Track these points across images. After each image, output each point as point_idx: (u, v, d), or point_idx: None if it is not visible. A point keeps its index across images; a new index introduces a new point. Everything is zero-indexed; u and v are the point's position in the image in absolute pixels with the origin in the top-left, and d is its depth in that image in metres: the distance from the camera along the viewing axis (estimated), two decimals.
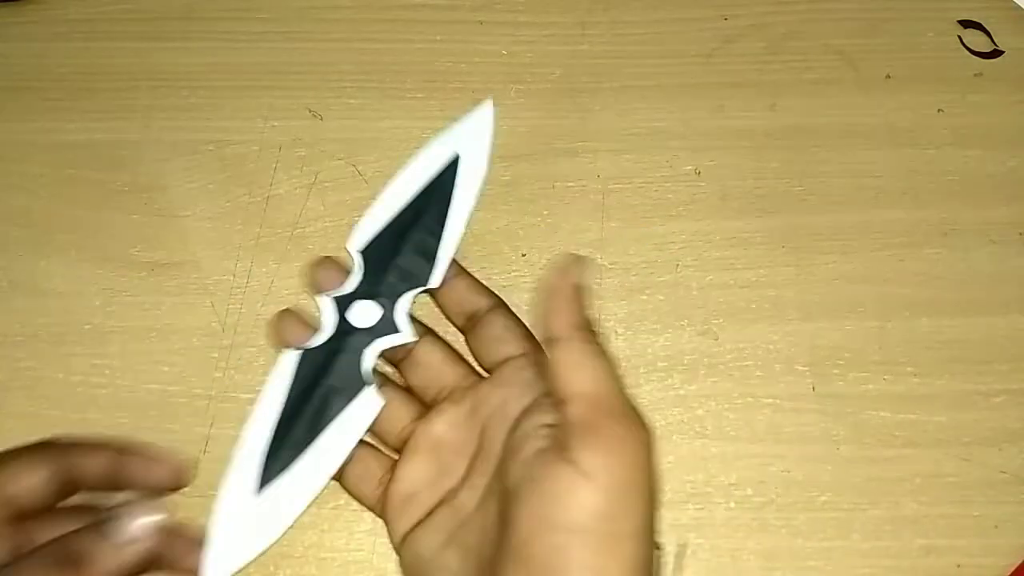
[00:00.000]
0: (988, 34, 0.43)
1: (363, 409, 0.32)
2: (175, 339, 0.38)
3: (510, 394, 0.32)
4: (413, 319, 0.34)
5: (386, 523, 0.32)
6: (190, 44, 0.43)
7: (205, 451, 0.36)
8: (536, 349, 0.33)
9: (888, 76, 0.42)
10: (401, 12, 0.44)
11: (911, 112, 0.42)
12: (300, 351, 0.33)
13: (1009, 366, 0.37)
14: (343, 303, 0.34)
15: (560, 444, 0.27)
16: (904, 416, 0.36)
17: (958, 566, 0.34)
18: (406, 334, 0.33)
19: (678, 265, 0.39)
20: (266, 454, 0.32)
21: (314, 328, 0.34)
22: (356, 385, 0.33)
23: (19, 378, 0.37)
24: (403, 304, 0.34)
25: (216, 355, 0.37)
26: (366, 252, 0.34)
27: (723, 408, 0.36)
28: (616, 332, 0.38)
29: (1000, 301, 0.38)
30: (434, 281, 0.34)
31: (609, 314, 0.38)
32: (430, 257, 0.34)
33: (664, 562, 0.34)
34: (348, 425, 0.32)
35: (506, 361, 0.33)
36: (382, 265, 0.34)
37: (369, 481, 0.33)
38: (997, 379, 0.37)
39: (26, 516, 0.30)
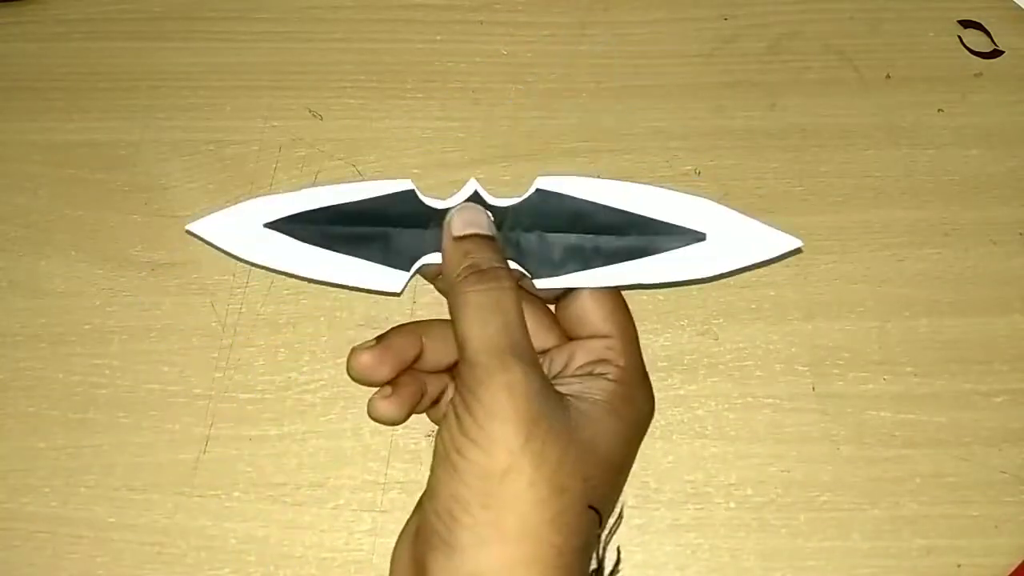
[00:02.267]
0: (988, 34, 0.43)
1: (384, 278, 0.32)
2: (175, 339, 0.38)
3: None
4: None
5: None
6: (190, 44, 0.43)
7: (205, 451, 0.36)
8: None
9: (888, 76, 0.42)
10: (401, 12, 0.44)
11: (911, 112, 0.42)
12: (413, 188, 0.32)
13: (1009, 366, 0.37)
14: (479, 204, 0.32)
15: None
16: (904, 416, 0.36)
17: (958, 566, 0.34)
18: None
19: None
20: (299, 213, 0.32)
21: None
22: (402, 260, 0.32)
23: (19, 378, 0.37)
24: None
25: (216, 355, 0.37)
26: (542, 196, 0.32)
27: (723, 408, 0.36)
28: None
29: (1000, 301, 0.38)
30: (539, 283, 0.32)
31: None
32: (566, 267, 0.31)
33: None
34: (362, 272, 0.32)
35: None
36: (538, 221, 0.32)
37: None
38: (997, 379, 0.37)
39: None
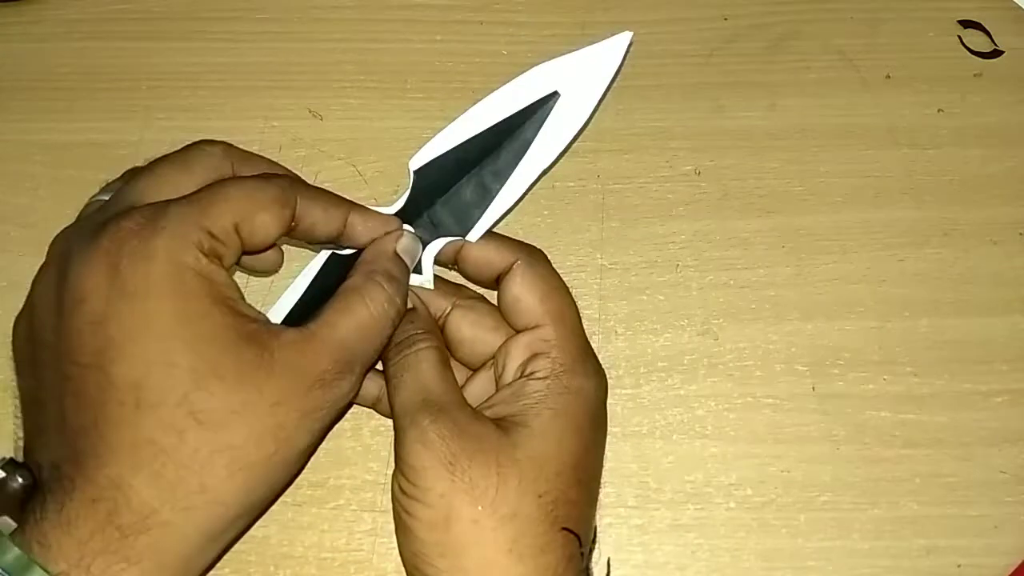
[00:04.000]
0: (988, 34, 0.43)
1: None
2: None
3: None
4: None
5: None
6: (190, 44, 0.43)
7: None
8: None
9: (888, 76, 0.42)
10: (401, 12, 0.44)
11: (911, 112, 0.42)
12: (331, 251, 0.32)
13: (1009, 366, 0.37)
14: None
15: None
16: (904, 416, 0.36)
17: (958, 566, 0.34)
18: (426, 278, 0.33)
19: (678, 265, 0.39)
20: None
21: None
22: None
23: None
24: (433, 247, 0.32)
25: None
26: (421, 172, 0.32)
27: (723, 408, 0.36)
28: (616, 332, 0.38)
29: (1000, 301, 0.38)
30: (473, 235, 0.32)
31: (609, 314, 0.38)
32: (481, 205, 0.32)
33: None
34: None
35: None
36: (433, 193, 0.32)
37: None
38: (997, 379, 0.37)
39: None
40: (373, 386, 0.33)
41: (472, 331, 0.33)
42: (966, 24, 0.43)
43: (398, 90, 0.42)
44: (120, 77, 0.43)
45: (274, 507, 0.35)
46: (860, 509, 0.35)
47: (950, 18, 0.44)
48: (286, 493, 0.35)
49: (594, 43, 0.32)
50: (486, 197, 0.32)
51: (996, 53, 0.43)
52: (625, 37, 0.31)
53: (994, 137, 0.41)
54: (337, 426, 0.36)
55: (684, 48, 0.43)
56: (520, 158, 0.32)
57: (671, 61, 0.43)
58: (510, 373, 0.31)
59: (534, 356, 0.31)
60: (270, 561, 0.34)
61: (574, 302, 0.32)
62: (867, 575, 0.34)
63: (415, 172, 0.32)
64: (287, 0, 0.44)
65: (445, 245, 0.33)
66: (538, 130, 0.31)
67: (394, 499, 0.29)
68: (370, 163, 0.41)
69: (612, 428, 0.35)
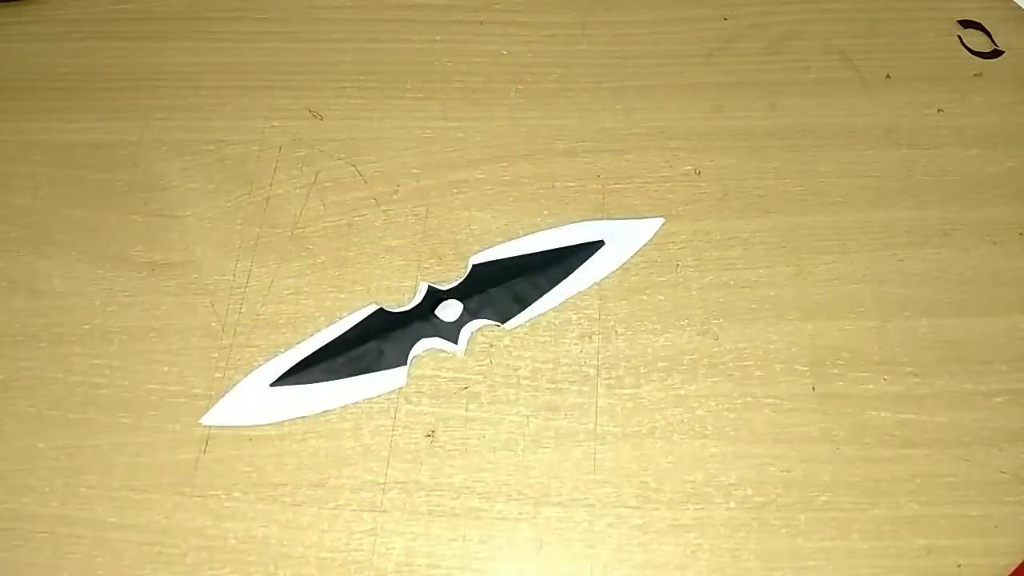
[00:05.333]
0: (988, 34, 0.43)
1: (389, 379, 0.37)
2: (175, 339, 0.38)
3: None
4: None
5: None
6: (190, 44, 0.43)
7: (205, 451, 0.36)
8: None
9: (888, 76, 0.43)
10: (401, 12, 0.44)
11: (911, 112, 0.42)
12: (379, 307, 0.38)
13: (1009, 366, 0.37)
14: (435, 294, 0.38)
15: None
16: (904, 416, 0.36)
17: (958, 566, 0.34)
18: (459, 349, 0.37)
19: (678, 265, 0.39)
20: (299, 363, 0.37)
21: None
22: (397, 359, 0.37)
23: (19, 378, 0.37)
24: (473, 325, 0.37)
25: (216, 355, 0.37)
26: (478, 268, 0.38)
27: (723, 408, 0.36)
28: (616, 332, 0.38)
29: (1000, 301, 0.38)
30: (508, 326, 0.38)
31: (609, 314, 0.38)
32: (522, 303, 0.38)
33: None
34: (370, 383, 0.36)
35: None
36: (482, 284, 0.38)
37: None
38: (997, 379, 0.37)
39: None
40: None
41: None
42: (966, 24, 0.43)
43: (398, 90, 0.42)
44: (120, 77, 0.43)
45: (274, 507, 0.35)
46: (860, 509, 0.35)
47: (950, 18, 0.44)
48: (286, 493, 0.35)
49: (636, 220, 0.40)
50: (529, 298, 0.38)
51: (996, 53, 0.43)
52: (658, 221, 0.39)
53: (994, 137, 0.41)
54: (337, 426, 0.36)
55: (684, 48, 0.43)
56: (560, 280, 0.38)
57: (671, 61, 0.43)
58: None
59: None
60: (270, 561, 0.34)
61: None
62: (867, 575, 0.34)
63: (474, 264, 0.38)
64: (287, 0, 0.44)
65: (484, 326, 0.38)
66: (580, 264, 0.38)
67: None
68: (370, 163, 0.41)
69: (612, 428, 0.36)
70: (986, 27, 0.43)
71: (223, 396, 0.36)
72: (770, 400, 0.36)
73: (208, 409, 0.36)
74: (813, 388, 0.37)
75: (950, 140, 0.41)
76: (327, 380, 0.36)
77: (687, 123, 0.41)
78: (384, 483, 0.35)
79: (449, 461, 0.35)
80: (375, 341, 0.37)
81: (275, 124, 0.42)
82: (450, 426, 0.36)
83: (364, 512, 0.35)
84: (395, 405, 0.36)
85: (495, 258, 0.39)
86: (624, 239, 0.39)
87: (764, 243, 0.39)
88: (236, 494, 0.35)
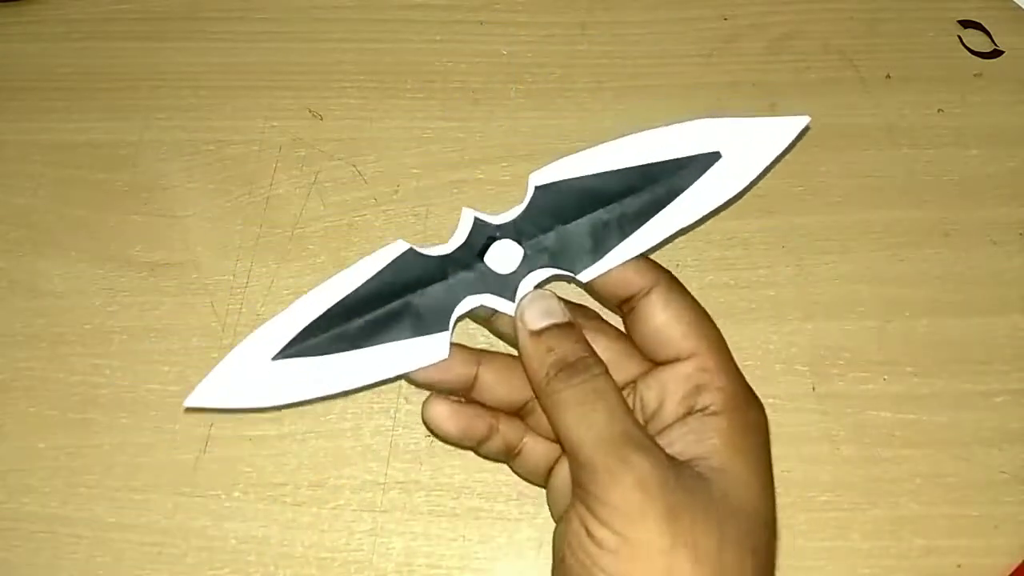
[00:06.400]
0: (988, 34, 0.43)
1: (425, 350, 0.28)
2: (175, 339, 0.38)
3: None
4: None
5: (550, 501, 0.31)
6: (190, 44, 0.43)
7: (205, 451, 0.36)
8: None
9: (888, 76, 0.42)
10: (401, 12, 0.44)
11: (911, 112, 0.42)
12: (409, 247, 0.28)
13: (1009, 366, 0.37)
14: (485, 231, 0.29)
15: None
16: (904, 416, 0.36)
17: (958, 566, 0.34)
18: (513, 309, 0.29)
19: (678, 265, 0.39)
20: (305, 328, 0.28)
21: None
22: (436, 322, 0.28)
23: (19, 378, 0.37)
24: (535, 277, 0.29)
25: (216, 355, 0.37)
26: (543, 192, 0.29)
27: None
28: None
29: (1000, 301, 0.38)
30: (584, 276, 0.29)
31: (609, 314, 0.38)
32: (603, 246, 0.28)
33: None
34: (401, 355, 0.28)
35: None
36: (551, 218, 0.29)
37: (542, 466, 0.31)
38: (997, 379, 0.37)
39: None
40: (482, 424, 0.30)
41: (605, 359, 0.28)
42: (966, 24, 0.43)
43: (398, 90, 0.42)
44: (120, 77, 0.43)
45: (274, 507, 0.35)
46: (860, 509, 0.35)
47: (950, 18, 0.44)
48: (286, 493, 0.35)
49: (772, 116, 0.29)
50: (611, 237, 0.28)
51: (996, 53, 0.43)
52: (803, 120, 0.29)
53: (994, 137, 0.41)
54: (337, 426, 0.36)
55: (684, 48, 0.43)
56: (661, 207, 0.29)
57: (671, 61, 0.43)
58: (671, 409, 0.28)
59: (697, 388, 0.28)
60: (270, 561, 0.34)
61: None
62: (867, 575, 0.34)
63: (537, 187, 0.29)
64: (287, 0, 0.44)
65: (551, 278, 0.29)
66: (690, 185, 0.28)
67: (583, 554, 0.25)
68: (370, 163, 0.41)
69: None
70: (986, 27, 0.43)
71: (212, 371, 0.28)
72: (770, 400, 0.36)
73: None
74: (813, 388, 0.37)
75: (950, 140, 0.41)
76: (345, 351, 0.28)
77: None
78: (384, 483, 0.35)
79: (449, 461, 0.35)
80: (409, 294, 0.28)
81: (275, 124, 0.42)
82: None
83: (364, 512, 0.35)
84: (395, 405, 0.36)
85: (563, 176, 0.29)
86: (751, 145, 0.29)
87: (764, 243, 0.39)
88: (236, 494, 0.35)
